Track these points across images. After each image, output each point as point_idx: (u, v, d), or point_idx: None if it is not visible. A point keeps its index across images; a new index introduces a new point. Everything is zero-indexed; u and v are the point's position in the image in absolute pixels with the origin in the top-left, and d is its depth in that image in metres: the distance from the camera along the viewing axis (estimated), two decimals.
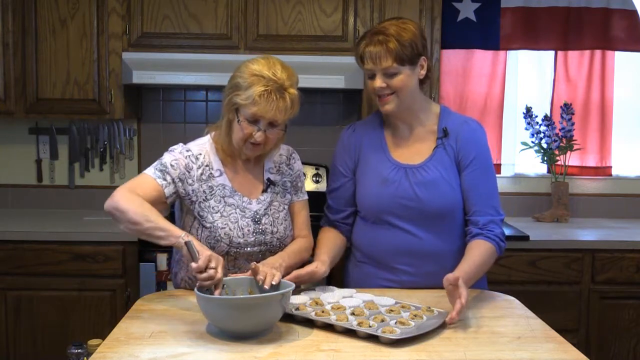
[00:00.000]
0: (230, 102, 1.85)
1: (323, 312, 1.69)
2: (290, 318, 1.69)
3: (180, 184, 1.89)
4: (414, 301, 1.83)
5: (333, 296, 1.84)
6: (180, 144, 1.97)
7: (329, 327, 1.64)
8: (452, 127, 2.03)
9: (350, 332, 1.61)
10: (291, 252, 1.95)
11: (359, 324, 1.61)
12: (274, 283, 1.67)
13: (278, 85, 1.81)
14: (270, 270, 1.72)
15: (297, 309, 1.71)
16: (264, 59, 1.86)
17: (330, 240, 2.08)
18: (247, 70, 1.83)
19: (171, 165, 1.89)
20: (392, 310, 1.74)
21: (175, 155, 1.92)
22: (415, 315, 1.70)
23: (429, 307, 1.77)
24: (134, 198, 1.80)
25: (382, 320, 1.65)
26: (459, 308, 1.66)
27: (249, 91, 1.80)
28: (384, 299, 1.84)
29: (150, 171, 1.89)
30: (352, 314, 1.69)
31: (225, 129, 1.90)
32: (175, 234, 1.74)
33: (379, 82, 1.94)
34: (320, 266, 1.89)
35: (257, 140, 1.85)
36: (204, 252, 1.68)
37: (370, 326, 1.60)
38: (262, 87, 1.79)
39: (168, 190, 1.88)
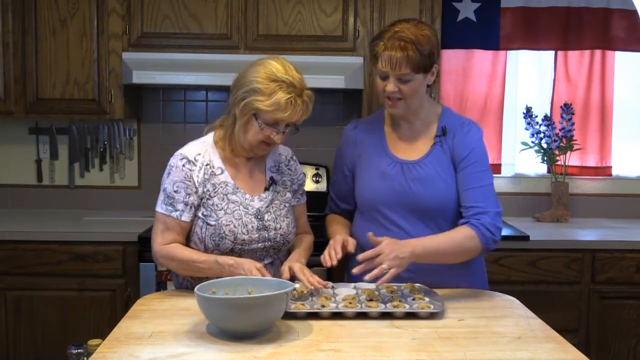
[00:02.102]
0: (249, 105, 1.86)
1: (350, 303, 1.76)
2: (291, 318, 1.69)
3: (190, 199, 1.92)
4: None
5: (323, 290, 1.89)
6: (175, 155, 1.97)
7: (360, 316, 1.73)
8: (451, 127, 2.06)
9: (360, 316, 1.72)
10: (304, 249, 2.04)
11: (395, 306, 1.73)
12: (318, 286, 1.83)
13: (297, 89, 1.85)
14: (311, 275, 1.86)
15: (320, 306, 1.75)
16: (277, 62, 1.88)
17: (339, 222, 2.18)
18: (265, 75, 1.85)
19: (175, 191, 1.92)
20: (392, 291, 1.88)
21: (172, 177, 1.93)
22: (417, 292, 1.88)
23: (412, 285, 1.94)
24: (169, 256, 1.92)
25: (399, 301, 1.78)
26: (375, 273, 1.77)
27: (273, 98, 1.83)
28: (362, 284, 1.94)
29: (162, 208, 1.93)
30: (370, 299, 1.79)
31: (240, 130, 1.91)
32: (217, 273, 1.84)
33: (391, 87, 1.95)
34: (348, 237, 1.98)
35: (277, 142, 1.91)
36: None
37: (403, 308, 1.75)
38: (287, 94, 1.83)
39: (187, 214, 1.92)
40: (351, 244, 1.94)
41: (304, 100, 1.87)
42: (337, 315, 1.72)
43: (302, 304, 1.74)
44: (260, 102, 1.84)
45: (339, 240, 1.94)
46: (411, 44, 1.90)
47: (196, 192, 1.92)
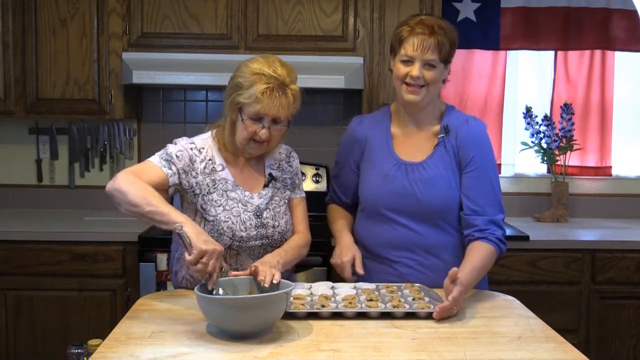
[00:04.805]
0: (233, 101, 1.87)
1: (350, 303, 1.75)
2: (291, 318, 1.69)
3: (184, 176, 1.91)
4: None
5: (322, 289, 1.89)
6: (183, 137, 1.98)
7: (360, 316, 1.72)
8: (454, 125, 2.05)
9: (360, 316, 1.72)
10: (289, 249, 1.96)
11: (395, 306, 1.73)
12: (274, 282, 1.69)
13: (279, 82, 1.83)
14: (269, 269, 1.73)
15: (320, 307, 1.74)
16: (263, 58, 1.89)
17: (343, 217, 2.20)
18: (248, 70, 1.85)
19: (176, 156, 1.90)
20: (392, 291, 1.87)
21: (180, 147, 1.93)
22: (417, 292, 1.87)
23: (412, 285, 1.94)
24: (136, 181, 1.78)
25: (399, 301, 1.77)
26: (446, 306, 1.70)
27: (252, 89, 1.82)
28: (363, 284, 1.95)
29: (156, 159, 1.90)
30: (370, 299, 1.78)
31: (229, 129, 1.92)
32: (174, 220, 1.70)
33: (416, 71, 1.94)
34: (356, 252, 2.02)
35: (262, 138, 1.87)
36: (198, 246, 1.65)
37: (402, 307, 1.75)
38: (264, 85, 1.81)
39: (172, 180, 1.88)
40: (358, 265, 1.98)
41: (286, 93, 1.84)
42: (337, 315, 1.72)
43: (302, 304, 1.74)
44: (241, 96, 1.84)
45: (348, 265, 1.98)
46: (441, 29, 1.93)
47: (195, 177, 1.91)
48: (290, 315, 1.68)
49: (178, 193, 1.96)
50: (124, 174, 1.81)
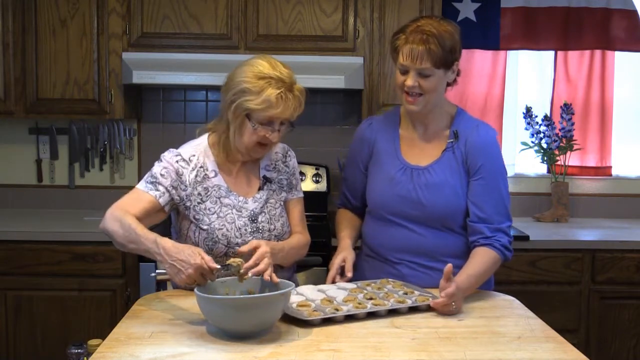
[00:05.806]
0: (240, 107, 1.83)
1: (359, 304, 1.74)
2: (308, 325, 1.66)
3: (174, 192, 1.90)
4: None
5: (310, 293, 1.86)
6: (170, 150, 1.96)
7: (363, 318, 1.71)
8: (463, 131, 2.02)
9: (370, 317, 1.72)
10: (290, 248, 1.96)
11: (400, 302, 1.76)
12: (265, 277, 1.69)
13: (287, 84, 1.82)
14: (266, 262, 1.71)
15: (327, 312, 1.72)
16: (264, 60, 1.86)
17: (348, 220, 2.19)
18: (252, 74, 1.82)
19: (161, 174, 1.90)
20: (379, 288, 1.89)
21: (164, 164, 1.92)
22: (401, 286, 1.92)
23: (387, 280, 1.98)
24: (121, 218, 1.80)
25: (394, 296, 1.80)
26: (440, 301, 1.74)
27: (263, 96, 1.80)
28: (345, 284, 1.93)
29: (142, 185, 1.90)
30: (370, 298, 1.78)
31: (234, 134, 1.88)
32: (154, 257, 1.74)
33: (411, 81, 1.92)
34: (348, 255, 2.02)
35: (273, 141, 1.87)
36: (177, 282, 1.70)
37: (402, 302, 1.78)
38: (276, 90, 1.80)
39: (163, 200, 1.88)
40: (348, 269, 1.97)
41: (295, 94, 1.83)
42: (348, 318, 1.69)
43: (315, 310, 1.72)
44: (251, 102, 1.81)
45: (334, 267, 1.98)
46: (433, 38, 1.89)
47: (184, 190, 1.90)
48: (306, 323, 1.65)
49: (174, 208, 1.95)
50: (112, 211, 1.84)
